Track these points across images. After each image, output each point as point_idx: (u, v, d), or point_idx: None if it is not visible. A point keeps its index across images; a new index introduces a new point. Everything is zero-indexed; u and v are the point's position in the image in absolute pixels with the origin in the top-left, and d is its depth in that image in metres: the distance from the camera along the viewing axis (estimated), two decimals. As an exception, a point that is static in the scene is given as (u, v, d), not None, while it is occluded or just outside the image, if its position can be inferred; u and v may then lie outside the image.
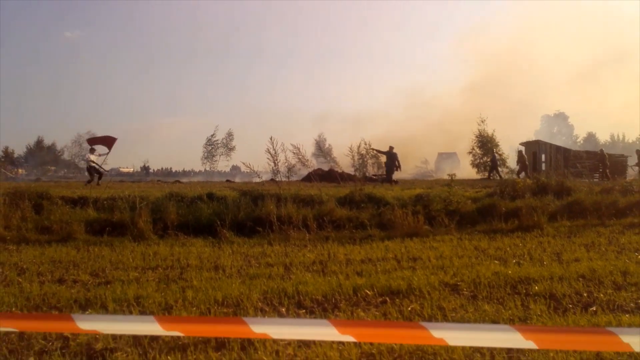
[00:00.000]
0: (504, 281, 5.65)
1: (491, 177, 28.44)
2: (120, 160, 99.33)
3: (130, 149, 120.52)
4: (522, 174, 26.04)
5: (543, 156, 33.95)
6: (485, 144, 37.97)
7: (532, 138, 44.34)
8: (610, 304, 4.83)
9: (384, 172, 29.61)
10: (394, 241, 8.59)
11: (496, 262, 6.76)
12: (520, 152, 30.59)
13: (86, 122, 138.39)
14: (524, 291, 5.28)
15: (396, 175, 28.73)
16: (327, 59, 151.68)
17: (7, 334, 3.87)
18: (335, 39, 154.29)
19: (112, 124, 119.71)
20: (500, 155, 32.53)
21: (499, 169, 30.25)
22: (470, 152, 39.99)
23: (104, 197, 11.83)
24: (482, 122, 38.36)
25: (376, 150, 25.15)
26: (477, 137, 38.86)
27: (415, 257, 7.15)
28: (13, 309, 4.80)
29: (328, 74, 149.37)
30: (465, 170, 38.33)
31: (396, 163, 24.48)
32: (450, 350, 3.59)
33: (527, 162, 28.69)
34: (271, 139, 12.51)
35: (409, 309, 4.74)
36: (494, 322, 4.40)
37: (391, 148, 24.98)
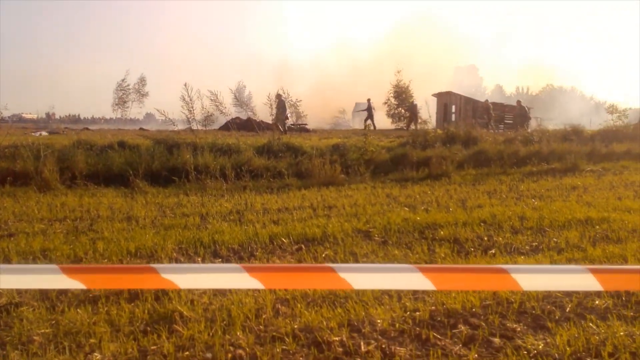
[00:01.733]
0: (412, 227, 5.94)
1: (409, 128, 29.25)
2: (23, 106, 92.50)
3: (34, 93, 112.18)
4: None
5: (453, 107, 35.28)
6: (401, 94, 38.77)
7: (445, 89, 45.73)
8: (508, 247, 5.22)
9: (302, 122, 29.68)
10: (311, 190, 8.73)
11: (406, 209, 7.08)
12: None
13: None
14: (431, 236, 5.59)
15: (312, 125, 28.93)
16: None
17: None
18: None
19: (14, 65, 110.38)
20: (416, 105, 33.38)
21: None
22: (385, 103, 40.72)
23: (5, 144, 11.05)
24: (399, 72, 39.02)
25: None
26: (393, 87, 39.54)
27: (331, 206, 7.33)
28: None
29: (252, 16, 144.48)
30: (381, 120, 39.10)
31: (286, 112, 24.15)
32: (361, 293, 3.77)
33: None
34: (185, 85, 12.13)
35: (323, 255, 4.89)
36: (402, 265, 4.65)
37: (279, 96, 24.99)
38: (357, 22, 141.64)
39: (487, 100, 32.59)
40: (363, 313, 3.50)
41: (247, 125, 23.05)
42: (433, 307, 3.59)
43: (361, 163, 10.35)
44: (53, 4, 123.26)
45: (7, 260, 4.64)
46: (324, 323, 3.35)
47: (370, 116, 29.87)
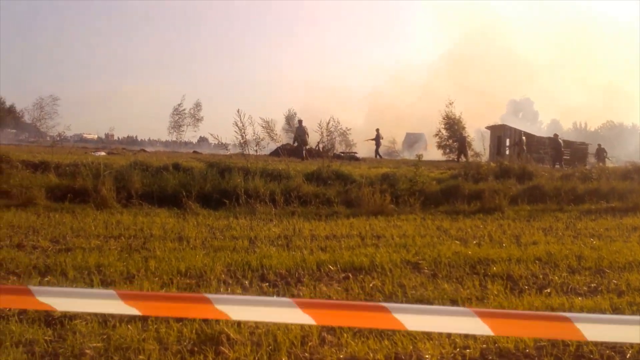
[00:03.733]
0: (463, 261, 5.79)
1: (459, 160, 28.86)
2: (84, 126, 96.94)
3: (95, 114, 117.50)
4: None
5: (507, 140, 34.59)
6: (452, 126, 38.36)
7: (498, 122, 44.97)
8: (564, 286, 5.01)
9: (350, 150, 29.80)
10: (359, 219, 8.68)
11: (457, 242, 6.92)
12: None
13: (49, 85, 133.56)
14: (483, 271, 5.43)
15: (363, 154, 29.10)
16: (302, 32, 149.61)
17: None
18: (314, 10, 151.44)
19: (77, 87, 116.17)
20: (467, 137, 32.94)
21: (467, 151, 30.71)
22: (436, 135, 40.38)
23: (66, 162, 11.57)
24: (450, 104, 38.69)
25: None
26: (444, 118, 39.20)
27: (379, 235, 7.25)
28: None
29: (302, 46, 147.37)
30: (432, 151, 38.74)
31: (305, 137, 24.07)
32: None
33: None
34: (238, 111, 12.43)
35: (371, 285, 4.83)
36: (453, 300, 4.52)
37: (300, 122, 25.09)
38: (412, 51, 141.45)
39: (556, 135, 31.43)
40: (411, 347, 3.41)
41: (297, 151, 23.31)
42: (484, 345, 3.46)
43: (411, 193, 10.22)
44: (113, 29, 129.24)
45: (64, 274, 4.80)
46: (371, 355, 3.28)
47: (377, 146, 30.22)
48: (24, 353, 3.05)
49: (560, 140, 29.35)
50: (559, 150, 27.88)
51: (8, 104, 77.86)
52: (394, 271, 5.28)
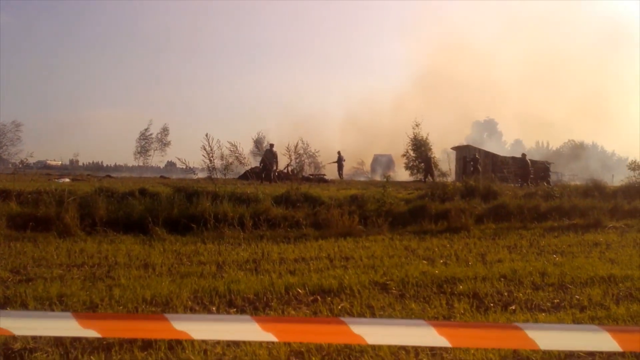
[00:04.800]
0: (431, 280, 5.85)
1: (426, 180, 29.29)
2: (48, 153, 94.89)
3: (59, 141, 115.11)
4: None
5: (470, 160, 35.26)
6: (419, 147, 38.92)
7: (464, 142, 45.85)
8: (529, 303, 5.11)
9: (319, 172, 30.15)
10: (328, 240, 8.70)
11: (424, 262, 6.99)
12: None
13: (11, 112, 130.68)
14: (450, 290, 5.49)
15: (331, 176, 29.47)
16: (269, 55, 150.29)
17: None
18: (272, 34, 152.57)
19: (40, 114, 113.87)
20: (433, 158, 33.42)
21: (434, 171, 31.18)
22: (404, 155, 40.89)
23: (29, 190, 11.29)
24: (417, 125, 39.29)
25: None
26: (411, 140, 39.75)
27: (348, 257, 7.28)
28: None
29: (269, 70, 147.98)
30: (400, 172, 39.16)
31: (274, 161, 24.37)
32: (377, 347, 3.69)
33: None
34: (207, 135, 12.39)
35: (339, 307, 4.83)
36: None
37: (271, 146, 25.45)
38: (377, 72, 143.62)
39: (524, 154, 31.98)
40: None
41: (266, 174, 23.30)
42: (451, 364, 3.50)
43: (379, 214, 10.30)
44: (77, 54, 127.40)
45: (24, 305, 4.66)
46: (339, 378, 3.27)
47: (339, 167, 31.73)
48: (-20, 389, 2.94)
49: (527, 159, 30.07)
50: (526, 170, 28.57)
51: (-33, 131, 75.71)
52: (362, 292, 5.30)
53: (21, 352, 3.49)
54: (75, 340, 3.70)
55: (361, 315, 4.67)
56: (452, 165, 30.67)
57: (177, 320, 1.60)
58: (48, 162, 72.60)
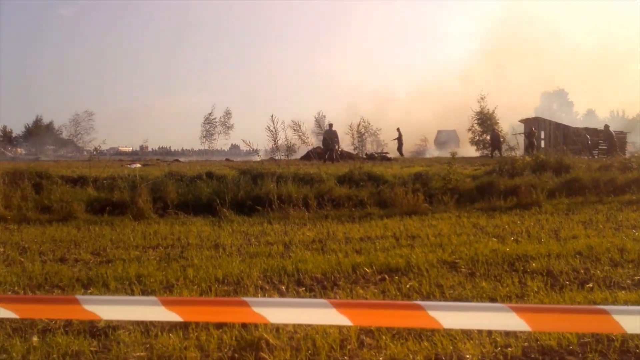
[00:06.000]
0: (501, 258, 5.70)
1: (493, 156, 28.45)
2: (119, 139, 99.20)
3: (129, 127, 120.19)
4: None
5: (542, 133, 33.91)
6: (485, 121, 37.79)
7: (532, 115, 44.11)
8: (607, 280, 4.88)
9: (382, 150, 29.94)
10: (393, 219, 8.63)
11: (494, 239, 6.81)
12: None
13: (84, 101, 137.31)
14: (522, 268, 5.33)
15: (394, 154, 29.17)
16: (326, 34, 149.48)
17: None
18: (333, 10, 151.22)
19: (110, 102, 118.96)
20: (500, 132, 32.33)
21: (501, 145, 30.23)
22: (469, 129, 39.82)
23: (104, 176, 11.86)
24: (483, 99, 38.11)
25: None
26: (477, 114, 38.63)
27: (414, 235, 7.20)
28: (16, 288, 4.85)
29: (330, 49, 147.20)
30: (466, 148, 38.25)
31: (335, 140, 24.00)
32: (448, 326, 3.65)
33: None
34: (272, 116, 12.56)
35: (408, 286, 4.79)
36: (492, 298, 4.46)
37: (330, 126, 25.14)
38: (447, 49, 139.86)
39: (607, 126, 30.49)
40: (451, 347, 3.38)
41: (328, 154, 23.36)
42: (526, 344, 3.41)
43: (445, 192, 10.11)
44: (139, 44, 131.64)
45: (106, 285, 4.92)
46: (410, 357, 3.27)
47: (400, 144, 30.63)
48: (71, 364, 3.14)
49: (611, 130, 28.64)
50: (612, 142, 27.20)
51: (46, 121, 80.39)
52: (430, 271, 5.24)
53: (105, 330, 3.69)
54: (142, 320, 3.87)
55: (430, 294, 4.62)
56: (520, 139, 29.61)
57: (255, 305, 1.63)
58: (120, 148, 75.97)
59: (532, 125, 34.31)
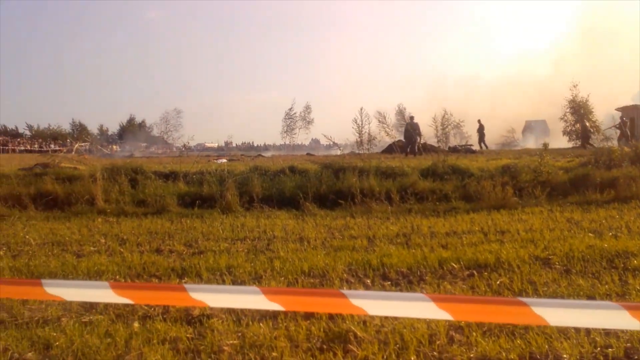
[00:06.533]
0: (599, 255, 5.38)
1: (586, 147, 26.91)
2: (205, 135, 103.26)
3: (214, 124, 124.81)
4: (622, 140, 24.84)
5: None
6: (578, 110, 35.76)
7: (630, 103, 41.17)
8: None
9: (466, 143, 29.12)
10: (480, 213, 8.38)
11: (591, 234, 6.44)
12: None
13: (172, 100, 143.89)
14: (622, 265, 5.00)
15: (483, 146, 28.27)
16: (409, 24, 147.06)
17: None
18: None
19: (197, 100, 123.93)
20: (593, 122, 30.45)
21: (591, 137, 28.52)
22: (562, 118, 37.83)
23: (193, 171, 12.38)
24: (575, 86, 36.07)
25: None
26: (569, 102, 36.63)
27: (503, 230, 6.95)
28: (117, 277, 5.17)
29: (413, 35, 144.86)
30: (556, 138, 36.39)
31: (417, 133, 23.26)
32: (543, 324, 3.49)
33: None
34: (361, 109, 12.60)
35: (498, 282, 4.64)
36: (590, 297, 4.22)
37: (411, 118, 24.42)
38: (535, 35, 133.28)
39: None
40: (546, 346, 3.23)
41: (410, 147, 23.03)
42: (628, 344, 3.20)
43: (535, 185, 9.67)
44: (225, 43, 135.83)
45: (199, 275, 5.13)
46: (503, 354, 3.16)
47: (481, 136, 29.21)
48: (169, 350, 3.31)
49: None
50: None
51: (139, 119, 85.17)
52: (522, 267, 5.03)
53: (200, 318, 3.85)
54: (245, 308, 4.00)
55: (522, 291, 4.44)
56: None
57: (354, 297, 1.64)
58: (206, 144, 79.04)
59: (631, 114, 32.05)
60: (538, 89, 61.14)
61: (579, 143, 31.05)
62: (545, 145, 11.54)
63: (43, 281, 2.05)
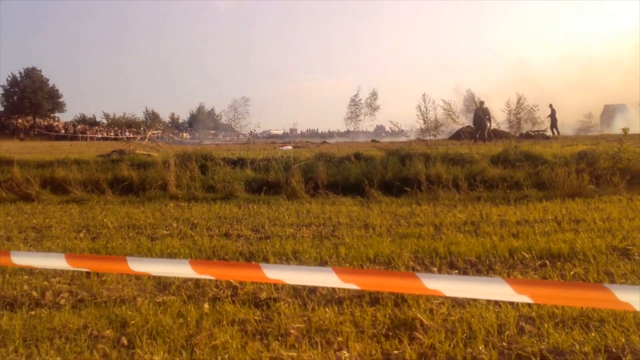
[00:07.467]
0: (684, 247, 5.04)
1: None
2: (271, 122, 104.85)
3: (280, 111, 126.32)
4: None
5: None
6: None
7: None
8: None
9: (540, 129, 27.97)
10: (553, 202, 8.04)
11: (675, 225, 6.05)
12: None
13: (240, 89, 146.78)
14: None
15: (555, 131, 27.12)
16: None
17: (185, 281, 4.36)
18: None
19: (262, 88, 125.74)
20: None
21: None
22: (643, 103, 35.50)
23: (259, 158, 12.61)
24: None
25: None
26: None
27: (578, 219, 6.64)
28: (188, 260, 5.36)
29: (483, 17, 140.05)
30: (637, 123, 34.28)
31: (487, 119, 22.27)
32: (619, 317, 3.33)
33: None
34: (423, 95, 12.38)
35: (572, 273, 4.45)
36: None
37: (481, 104, 23.37)
38: (598, 17, 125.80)
39: None
40: (623, 340, 3.08)
41: (480, 133, 22.39)
42: None
43: (614, 172, 9.16)
44: (289, 32, 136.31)
45: (265, 259, 5.24)
46: (576, 347, 3.03)
47: (553, 122, 27.58)
48: (238, 331, 3.40)
49: None
50: None
51: (208, 108, 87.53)
52: (598, 258, 4.80)
53: (267, 301, 3.93)
54: (311, 292, 4.05)
55: (598, 282, 4.24)
56: None
57: (428, 279, 1.62)
58: (271, 131, 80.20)
59: None
60: (615, 71, 57.73)
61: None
62: (625, 130, 10.87)
63: (128, 258, 2.16)
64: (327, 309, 3.69)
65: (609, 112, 46.65)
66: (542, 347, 3.08)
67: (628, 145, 10.23)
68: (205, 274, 1.95)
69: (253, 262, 3.40)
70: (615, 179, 8.93)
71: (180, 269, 2.07)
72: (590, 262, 4.70)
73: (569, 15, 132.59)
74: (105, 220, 7.68)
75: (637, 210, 7.10)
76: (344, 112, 69.76)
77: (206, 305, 3.87)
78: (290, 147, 23.13)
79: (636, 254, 4.91)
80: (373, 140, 33.16)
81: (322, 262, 5.07)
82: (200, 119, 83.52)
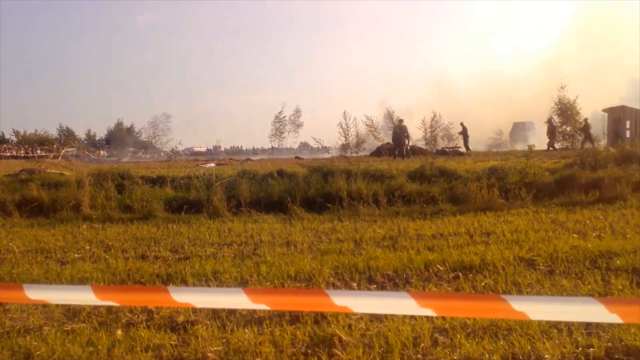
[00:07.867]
0: (583, 255, 5.43)
1: (583, 146, 27.16)
2: (193, 139, 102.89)
3: (202, 128, 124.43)
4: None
5: (628, 123, 31.94)
6: (565, 112, 35.97)
7: (617, 104, 41.55)
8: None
9: (455, 145, 29.29)
10: (466, 215, 8.43)
11: (575, 235, 6.50)
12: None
13: (161, 105, 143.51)
14: (605, 265, 5.05)
15: (470, 148, 28.45)
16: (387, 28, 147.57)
17: (96, 307, 4.16)
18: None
19: (184, 105, 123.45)
20: (586, 121, 30.61)
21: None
22: (547, 122, 38.04)
23: (180, 176, 12.32)
24: (562, 88, 36.29)
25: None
26: (556, 104, 36.82)
27: (489, 232, 6.99)
28: (101, 284, 5.13)
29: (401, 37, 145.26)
30: (544, 140, 36.64)
31: (406, 136, 23.46)
32: (525, 325, 3.52)
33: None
34: (344, 113, 12.64)
35: (483, 284, 4.67)
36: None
37: (400, 121, 24.54)
38: (512, 36, 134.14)
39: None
40: (529, 347, 3.26)
41: (398, 150, 23.12)
42: (609, 344, 3.23)
43: (521, 186, 9.74)
44: (210, 49, 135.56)
45: (184, 281, 5.11)
46: (486, 356, 3.18)
47: (465, 139, 29.41)
48: (153, 357, 3.29)
49: None
50: None
51: (127, 124, 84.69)
52: (507, 269, 5.07)
53: (184, 324, 3.83)
54: (230, 313, 3.99)
55: (506, 292, 4.47)
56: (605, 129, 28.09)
57: (337, 296, 1.65)
58: (194, 148, 78.76)
59: (618, 115, 32.41)
60: (526, 90, 61.67)
61: (567, 145, 31.36)
62: (531, 147, 11.62)
63: (24, 285, 2.03)
64: (246, 330, 3.65)
65: (517, 129, 49.58)
66: (455, 357, 3.20)
67: (534, 160, 10.92)
68: (108, 300, 1.88)
69: (160, 286, 3.31)
70: (523, 192, 9.49)
71: (82, 296, 1.98)
72: (499, 273, 4.95)
73: (485, 32, 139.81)
74: (10, 244, 7.21)
75: (542, 222, 7.58)
76: (268, 129, 69.92)
77: (119, 332, 3.72)
78: (213, 165, 22.78)
79: (541, 264, 5.23)
80: (296, 157, 33.35)
81: (242, 282, 5.01)
82: (118, 136, 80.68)
